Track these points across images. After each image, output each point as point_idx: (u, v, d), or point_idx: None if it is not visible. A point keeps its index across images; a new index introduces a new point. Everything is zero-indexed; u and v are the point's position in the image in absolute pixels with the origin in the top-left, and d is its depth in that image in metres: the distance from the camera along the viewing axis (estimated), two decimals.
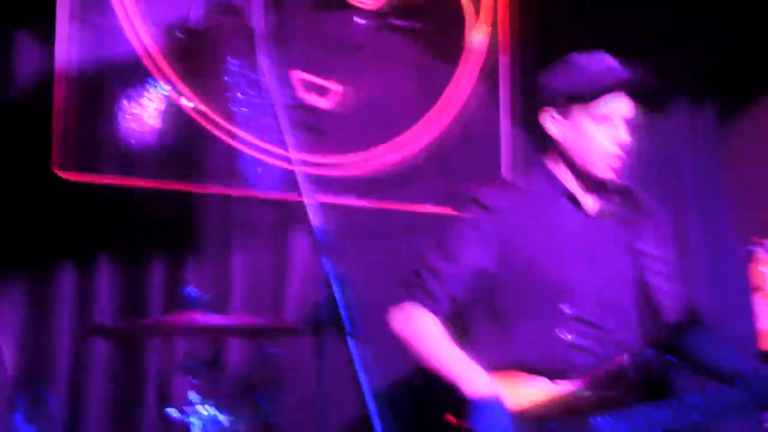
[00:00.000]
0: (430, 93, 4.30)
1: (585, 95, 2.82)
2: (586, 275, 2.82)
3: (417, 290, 2.84)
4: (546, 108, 2.89)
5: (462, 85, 4.30)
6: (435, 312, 2.82)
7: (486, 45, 4.38)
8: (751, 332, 4.63)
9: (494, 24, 4.42)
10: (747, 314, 4.66)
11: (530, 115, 4.41)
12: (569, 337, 2.77)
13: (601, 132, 2.82)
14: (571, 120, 2.84)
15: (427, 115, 4.24)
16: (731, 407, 2.66)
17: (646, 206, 2.99)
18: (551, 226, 2.86)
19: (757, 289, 4.66)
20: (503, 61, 4.41)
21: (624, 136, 2.82)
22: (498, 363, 2.77)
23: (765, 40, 4.82)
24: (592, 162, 2.84)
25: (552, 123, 2.88)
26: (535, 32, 4.49)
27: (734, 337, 4.12)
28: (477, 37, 4.36)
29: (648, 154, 4.70)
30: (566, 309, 2.78)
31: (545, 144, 2.92)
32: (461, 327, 2.91)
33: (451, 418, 2.68)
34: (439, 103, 4.27)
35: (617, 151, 2.82)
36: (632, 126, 2.84)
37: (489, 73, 4.41)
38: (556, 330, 2.77)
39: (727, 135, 5.08)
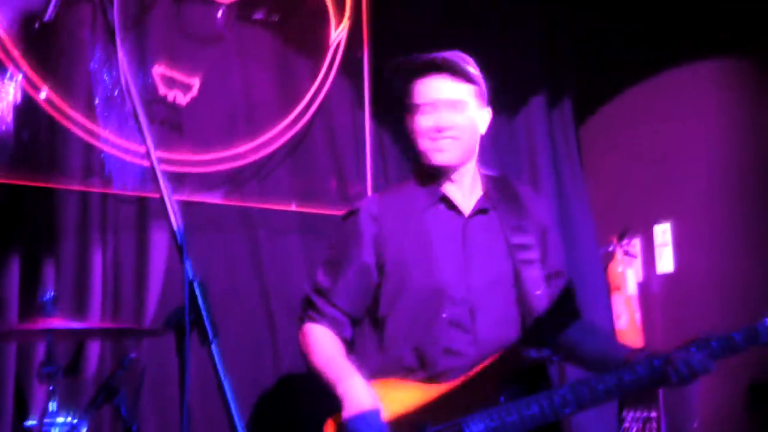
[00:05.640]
0: (292, 89, 4.26)
1: (401, 91, 2.95)
2: (459, 279, 2.88)
3: (311, 311, 2.96)
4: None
5: (324, 81, 4.28)
6: (331, 326, 2.92)
7: (346, 40, 4.36)
8: (609, 331, 4.76)
9: (355, 19, 4.39)
10: (605, 313, 4.78)
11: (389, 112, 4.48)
12: (442, 340, 2.83)
13: (420, 120, 2.90)
14: (408, 124, 2.95)
15: (289, 111, 4.20)
16: (599, 397, 2.73)
17: (520, 193, 3.06)
18: (424, 232, 2.93)
19: (616, 289, 4.81)
20: (365, 57, 4.40)
21: (442, 117, 2.87)
22: (380, 368, 2.86)
23: (615, 41, 4.96)
24: (420, 152, 2.93)
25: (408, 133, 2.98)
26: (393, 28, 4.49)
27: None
28: (338, 32, 4.35)
29: (506, 151, 4.80)
30: (442, 314, 2.84)
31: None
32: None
33: (331, 423, 2.77)
34: (301, 99, 4.23)
35: (434, 133, 2.88)
36: (456, 106, 2.88)
37: (352, 70, 4.40)
38: (431, 334, 2.84)
39: (583, 134, 5.21)
